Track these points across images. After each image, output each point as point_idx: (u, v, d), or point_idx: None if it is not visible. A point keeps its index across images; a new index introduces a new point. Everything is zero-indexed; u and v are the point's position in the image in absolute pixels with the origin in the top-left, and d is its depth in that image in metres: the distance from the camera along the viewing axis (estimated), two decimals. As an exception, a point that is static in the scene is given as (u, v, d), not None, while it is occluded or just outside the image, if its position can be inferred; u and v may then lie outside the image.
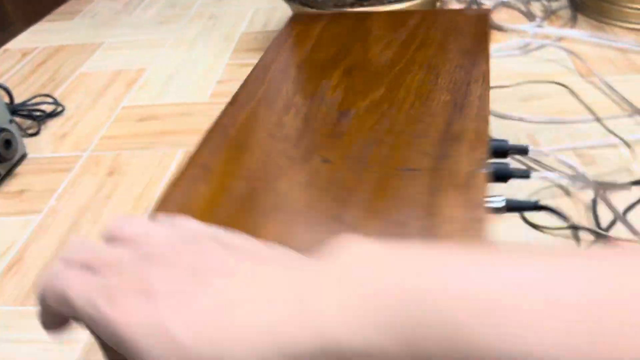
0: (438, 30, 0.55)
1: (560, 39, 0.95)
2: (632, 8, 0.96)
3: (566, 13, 1.04)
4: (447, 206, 0.30)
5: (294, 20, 0.60)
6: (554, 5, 1.07)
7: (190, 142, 0.81)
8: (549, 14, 1.04)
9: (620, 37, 0.92)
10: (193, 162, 0.36)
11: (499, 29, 1.01)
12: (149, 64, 1.07)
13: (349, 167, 0.34)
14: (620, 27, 0.96)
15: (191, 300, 0.22)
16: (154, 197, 0.71)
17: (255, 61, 1.03)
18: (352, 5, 0.96)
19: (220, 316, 0.21)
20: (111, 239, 0.27)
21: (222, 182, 0.34)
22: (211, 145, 0.38)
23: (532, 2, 1.10)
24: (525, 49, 0.94)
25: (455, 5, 1.13)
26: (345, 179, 0.33)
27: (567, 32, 0.96)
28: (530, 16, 1.04)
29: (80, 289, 0.24)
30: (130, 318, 0.22)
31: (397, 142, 0.36)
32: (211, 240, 0.25)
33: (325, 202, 0.32)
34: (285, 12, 1.19)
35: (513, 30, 0.99)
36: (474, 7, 1.09)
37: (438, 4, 1.01)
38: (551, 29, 0.97)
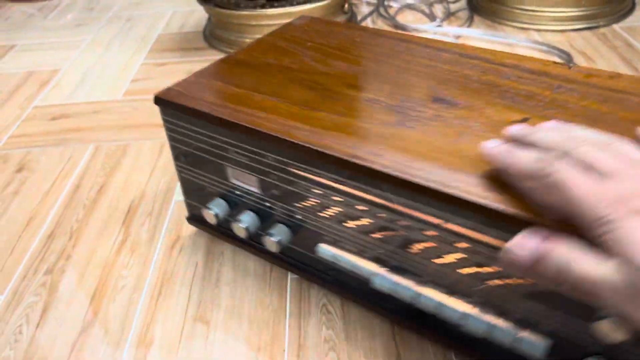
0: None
1: (458, 37, 1.03)
2: (520, 9, 1.05)
3: (464, 14, 1.12)
4: None
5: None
6: (454, 7, 1.16)
7: (102, 137, 0.82)
8: (449, 15, 1.12)
9: (509, 35, 1.01)
10: None
11: (404, 29, 1.08)
12: (63, 65, 1.06)
13: None
14: (510, 26, 1.05)
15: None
16: (64, 191, 0.71)
17: (170, 61, 1.05)
18: (262, 6, 1.00)
19: None
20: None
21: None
22: None
23: (434, 5, 1.17)
24: (427, 47, 1.00)
25: (365, 8, 1.19)
26: None
27: (464, 30, 1.04)
28: (432, 17, 1.12)
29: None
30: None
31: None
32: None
33: None
34: (202, 13, 1.22)
35: (415, 30, 1.06)
36: (382, 10, 1.16)
37: (346, 6, 1.06)
38: (450, 28, 1.05)
